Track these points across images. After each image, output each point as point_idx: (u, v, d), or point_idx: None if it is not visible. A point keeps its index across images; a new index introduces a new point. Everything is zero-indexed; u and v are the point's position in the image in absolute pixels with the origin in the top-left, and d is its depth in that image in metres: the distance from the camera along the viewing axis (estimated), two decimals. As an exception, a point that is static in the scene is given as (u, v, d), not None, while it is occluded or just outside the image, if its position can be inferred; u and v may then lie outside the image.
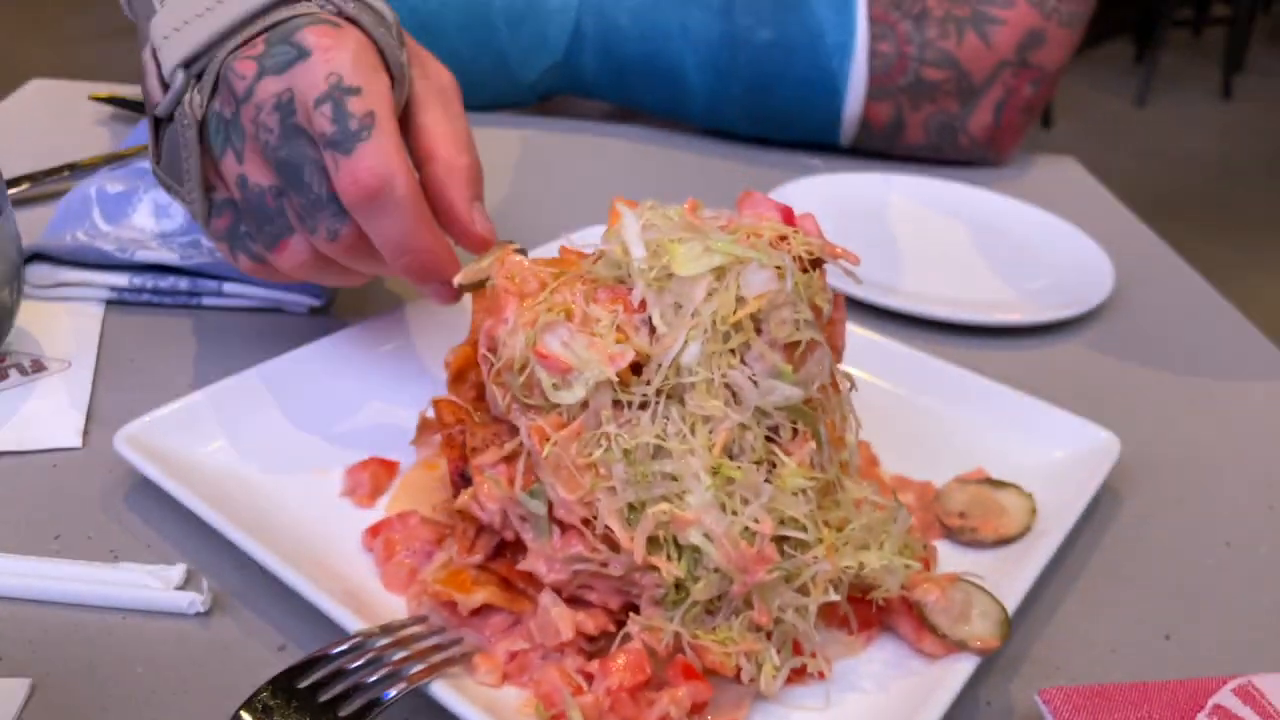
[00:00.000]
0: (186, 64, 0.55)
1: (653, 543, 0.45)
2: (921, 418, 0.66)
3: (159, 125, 0.57)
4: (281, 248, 0.55)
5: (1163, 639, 0.54)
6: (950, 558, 0.55)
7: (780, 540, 0.46)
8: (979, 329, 0.80)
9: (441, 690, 0.43)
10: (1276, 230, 3.72)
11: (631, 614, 0.46)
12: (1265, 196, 4.02)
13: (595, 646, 0.47)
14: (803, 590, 0.46)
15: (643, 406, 0.47)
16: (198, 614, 0.50)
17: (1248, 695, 0.47)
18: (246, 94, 0.53)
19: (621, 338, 0.48)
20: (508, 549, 0.49)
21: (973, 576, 0.50)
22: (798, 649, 0.47)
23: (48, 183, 0.84)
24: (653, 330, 0.49)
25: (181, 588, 0.50)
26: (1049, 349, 0.79)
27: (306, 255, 0.55)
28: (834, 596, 0.46)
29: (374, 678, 0.43)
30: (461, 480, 0.50)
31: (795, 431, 0.49)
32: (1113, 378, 0.77)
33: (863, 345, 0.70)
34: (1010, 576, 0.52)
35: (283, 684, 0.42)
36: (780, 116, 1.05)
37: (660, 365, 0.47)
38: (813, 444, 0.48)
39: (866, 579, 0.48)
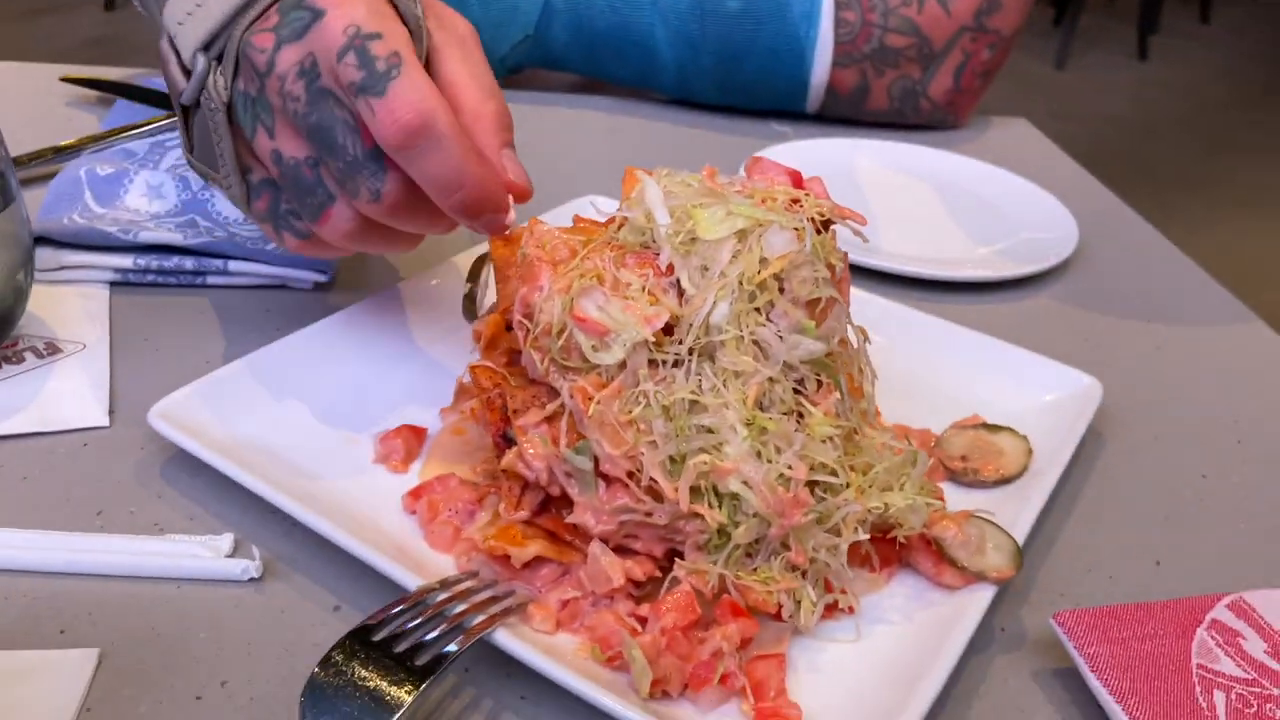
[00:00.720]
0: (205, 47, 0.55)
1: (695, 492, 0.48)
2: (912, 369, 0.70)
3: (187, 114, 0.57)
4: (325, 218, 0.54)
5: (1154, 564, 0.58)
6: (955, 498, 0.59)
7: (812, 485, 0.49)
8: (950, 285, 0.84)
9: (504, 639, 0.46)
10: (1193, 187, 3.85)
11: (676, 560, 0.49)
12: (1181, 154, 4.15)
13: (642, 592, 0.50)
14: (834, 531, 0.50)
15: (676, 365, 0.50)
16: (251, 580, 0.51)
17: (1240, 610, 0.51)
18: (268, 67, 0.53)
19: (653, 300, 0.50)
20: (553, 504, 0.51)
21: (983, 513, 0.54)
22: (828, 587, 0.51)
23: (31, 166, 0.83)
24: (680, 292, 0.51)
25: (231, 556, 0.52)
26: (1019, 303, 0.84)
27: (352, 222, 0.54)
28: (863, 536, 0.50)
29: (438, 631, 0.45)
30: (504, 441, 0.52)
31: (819, 384, 0.52)
32: (1082, 327, 0.81)
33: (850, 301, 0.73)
34: (1014, 512, 0.55)
35: (354, 642, 0.44)
36: (749, 85, 1.08)
37: (691, 325, 0.50)
38: (836, 395, 0.51)
39: (890, 519, 0.51)
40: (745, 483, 0.48)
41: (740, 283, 0.50)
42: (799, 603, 0.49)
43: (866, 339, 0.56)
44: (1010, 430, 0.62)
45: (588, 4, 1.04)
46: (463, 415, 0.61)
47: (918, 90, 1.08)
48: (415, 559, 0.51)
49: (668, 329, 0.50)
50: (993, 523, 0.53)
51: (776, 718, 0.45)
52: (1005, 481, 0.60)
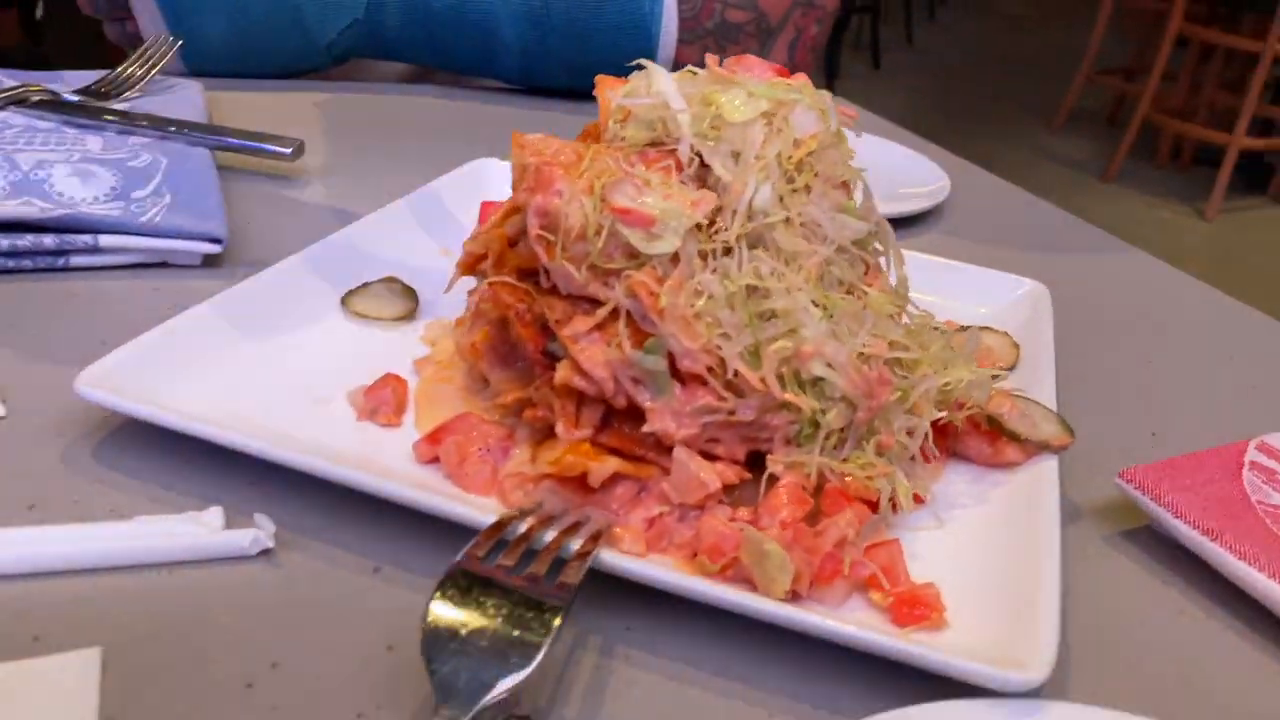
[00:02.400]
0: None
1: (778, 381, 0.44)
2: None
3: None
4: None
5: (1150, 436, 0.59)
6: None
7: (886, 364, 0.46)
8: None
9: (615, 562, 0.40)
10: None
11: (768, 457, 0.45)
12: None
13: (731, 498, 0.45)
14: (913, 411, 0.47)
15: (726, 254, 0.46)
16: (262, 554, 0.42)
17: (1267, 450, 0.53)
18: None
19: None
20: (615, 418, 0.45)
21: (1018, 390, 0.53)
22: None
23: None
24: (703, 185, 0.48)
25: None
26: (913, 239, 0.85)
27: None
28: (941, 414, 0.47)
29: (548, 562, 0.38)
30: (546, 358, 0.46)
31: (866, 266, 0.49)
32: (977, 258, 0.83)
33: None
34: (1033, 394, 0.55)
35: (456, 586, 0.37)
36: (596, 65, 1.04)
37: (735, 211, 0.46)
38: (888, 276, 0.49)
39: (957, 396, 0.49)
40: (829, 365, 0.44)
41: (780, 164, 0.47)
42: (893, 489, 0.46)
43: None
44: (989, 329, 0.62)
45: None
46: (440, 365, 0.54)
47: (756, 65, 1.10)
48: (465, 502, 0.44)
49: (708, 222, 0.46)
50: (1033, 400, 0.53)
51: (916, 602, 0.41)
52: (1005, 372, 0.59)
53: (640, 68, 0.51)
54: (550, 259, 0.46)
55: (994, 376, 0.50)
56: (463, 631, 0.35)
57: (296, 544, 0.43)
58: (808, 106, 0.49)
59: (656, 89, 0.49)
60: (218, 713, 0.36)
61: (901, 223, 0.85)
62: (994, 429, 0.50)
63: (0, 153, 0.66)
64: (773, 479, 0.44)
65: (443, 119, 0.98)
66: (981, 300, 0.68)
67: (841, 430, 0.45)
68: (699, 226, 0.45)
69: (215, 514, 0.43)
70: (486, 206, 0.70)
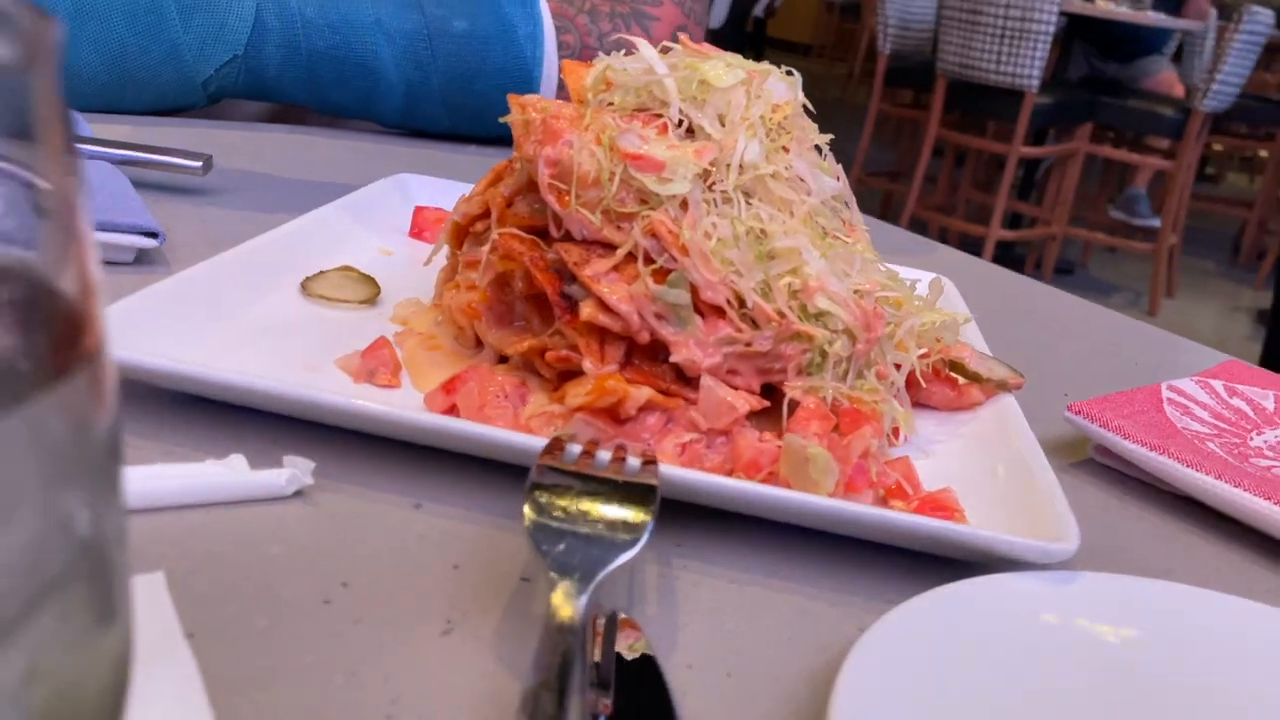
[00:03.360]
0: None
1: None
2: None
3: None
4: None
5: (1063, 396, 0.65)
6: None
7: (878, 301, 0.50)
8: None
9: (677, 471, 0.41)
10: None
11: (786, 384, 0.47)
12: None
13: (754, 424, 0.47)
14: (899, 347, 0.51)
15: (725, 203, 0.49)
16: (295, 495, 0.41)
17: (1177, 390, 0.59)
18: None
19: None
20: (635, 355, 0.47)
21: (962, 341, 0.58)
22: (891, 411, 0.51)
23: None
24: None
25: (251, 477, 0.41)
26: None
27: None
28: (921, 351, 0.51)
29: (613, 465, 0.39)
30: (565, 301, 0.47)
31: (842, 220, 0.53)
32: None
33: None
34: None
35: (548, 473, 0.37)
36: (480, 107, 1.07)
37: (729, 165, 0.49)
38: (864, 228, 0.53)
39: (932, 336, 0.53)
40: (831, 299, 0.47)
41: (762, 123, 0.51)
42: (891, 420, 0.49)
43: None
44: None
45: (304, 22, 0.98)
46: (424, 336, 0.53)
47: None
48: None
49: (704, 174, 0.49)
50: (980, 352, 0.57)
51: (938, 505, 0.44)
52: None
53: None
54: (563, 207, 0.47)
55: (960, 319, 0.54)
56: (567, 516, 0.35)
57: (328, 488, 0.42)
58: (779, 77, 0.53)
59: (642, 58, 0.52)
60: (301, 626, 0.34)
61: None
62: (956, 373, 0.54)
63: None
64: (793, 404, 0.46)
65: (329, 154, 0.97)
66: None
67: (846, 361, 0.48)
68: (702, 176, 0.48)
69: (239, 460, 0.41)
70: (420, 211, 0.71)
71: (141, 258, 0.61)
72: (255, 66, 0.99)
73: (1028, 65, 3.95)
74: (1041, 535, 0.41)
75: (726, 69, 0.52)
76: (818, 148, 0.53)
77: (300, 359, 0.50)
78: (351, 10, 1.00)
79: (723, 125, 0.50)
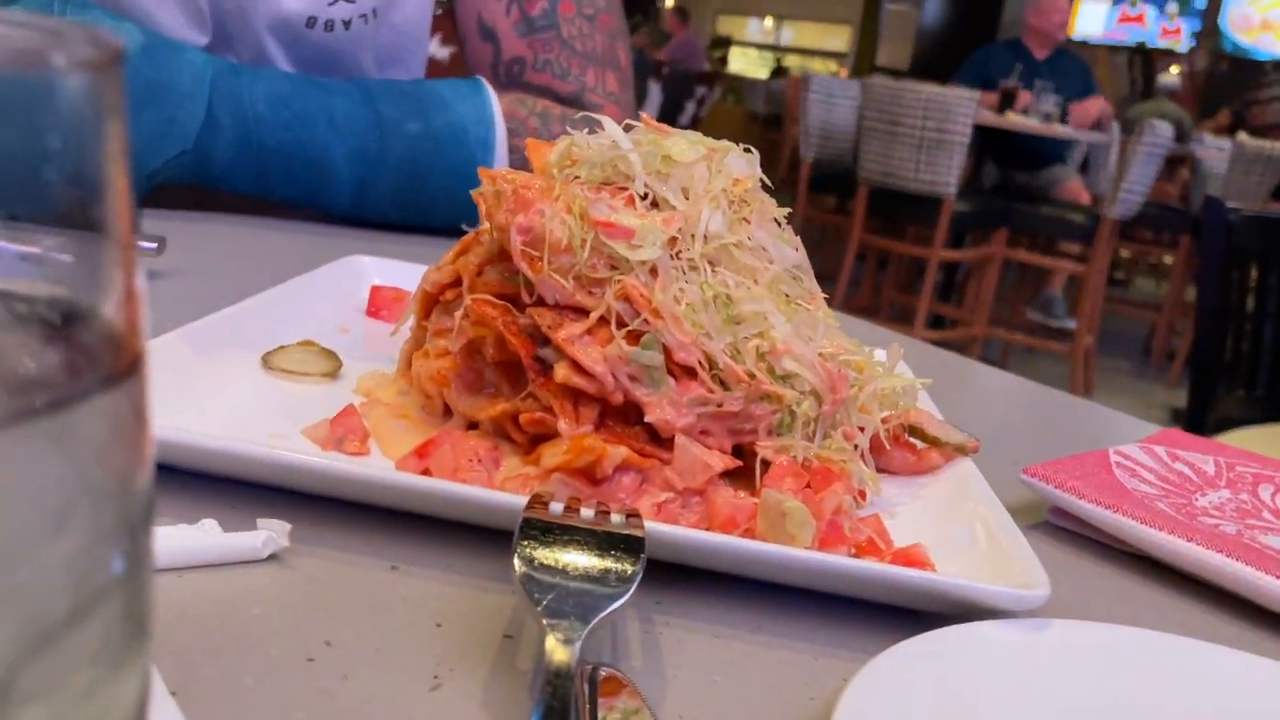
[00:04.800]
0: None
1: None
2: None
3: None
4: None
5: (1014, 464, 0.67)
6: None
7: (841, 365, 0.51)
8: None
9: (660, 527, 0.41)
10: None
11: (758, 444, 0.48)
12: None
13: (727, 483, 0.47)
14: (863, 410, 0.52)
15: (691, 270, 0.50)
16: (270, 559, 0.40)
17: (1123, 455, 0.62)
18: None
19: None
20: (608, 417, 0.47)
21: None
22: (856, 474, 0.52)
23: None
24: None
25: (225, 541, 0.40)
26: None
27: None
28: (888, 412, 0.52)
29: (598, 518, 0.39)
30: (539, 364, 0.47)
31: (802, 288, 0.55)
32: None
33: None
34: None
35: (535, 525, 0.37)
36: (431, 204, 1.08)
37: (695, 234, 0.51)
38: (823, 297, 0.55)
39: (890, 401, 0.54)
40: (797, 361, 0.49)
41: (724, 196, 0.53)
42: (860, 480, 0.50)
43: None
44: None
45: (256, 119, 0.99)
46: (390, 406, 0.53)
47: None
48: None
49: (671, 243, 0.50)
50: (933, 416, 0.59)
51: (911, 561, 0.45)
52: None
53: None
54: (536, 273, 0.48)
55: (919, 384, 0.56)
56: (556, 566, 0.35)
57: (303, 552, 0.41)
58: (738, 154, 0.55)
59: (608, 135, 0.53)
60: (287, 683, 0.33)
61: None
62: (916, 437, 0.56)
63: None
64: (765, 463, 0.47)
65: (279, 240, 0.97)
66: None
67: (813, 421, 0.49)
68: (669, 243, 0.49)
69: (211, 524, 0.40)
70: (377, 289, 0.71)
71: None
72: (204, 160, 0.99)
73: (945, 173, 4.11)
74: (1012, 584, 0.42)
75: (689, 145, 0.54)
76: (777, 220, 0.55)
77: (265, 430, 0.49)
78: (304, 107, 1.01)
79: (686, 198, 0.52)
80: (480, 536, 0.43)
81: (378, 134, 1.03)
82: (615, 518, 0.39)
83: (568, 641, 0.32)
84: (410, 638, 0.36)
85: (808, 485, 0.46)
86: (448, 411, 0.52)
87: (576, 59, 1.14)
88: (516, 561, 0.35)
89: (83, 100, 0.18)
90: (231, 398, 0.52)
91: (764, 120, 8.72)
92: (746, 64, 12.44)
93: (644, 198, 0.52)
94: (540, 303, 0.49)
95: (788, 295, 0.52)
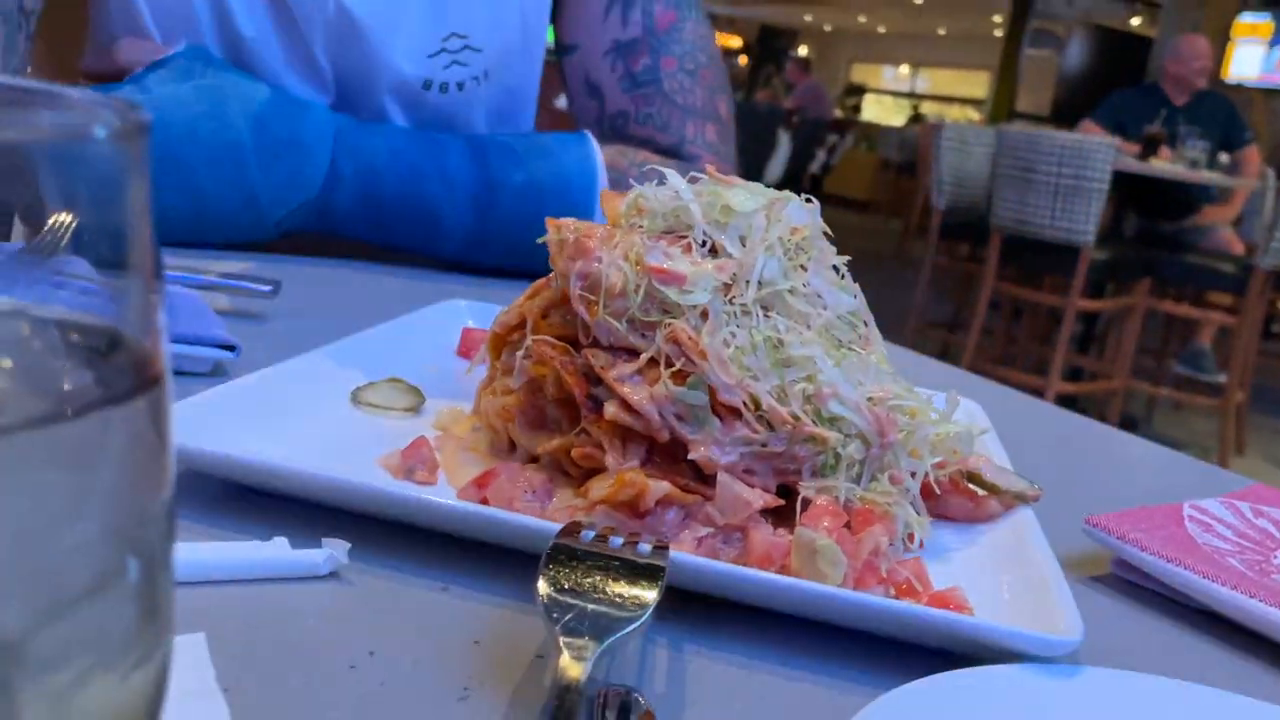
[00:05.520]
0: None
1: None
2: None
3: None
4: None
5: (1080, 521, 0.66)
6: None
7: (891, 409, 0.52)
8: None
9: (689, 559, 0.43)
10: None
11: (800, 484, 0.49)
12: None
13: (769, 521, 0.49)
14: (913, 455, 0.53)
15: (744, 315, 0.52)
16: (330, 576, 0.43)
17: (1198, 509, 0.60)
18: None
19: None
20: (656, 453, 0.49)
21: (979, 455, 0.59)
22: (906, 517, 0.53)
23: None
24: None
25: (292, 557, 0.44)
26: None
27: None
28: (939, 457, 0.53)
29: (625, 547, 0.41)
30: (591, 402, 0.50)
31: (857, 335, 0.56)
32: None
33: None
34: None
35: (562, 551, 0.39)
36: (534, 250, 1.13)
37: (749, 281, 0.53)
38: (878, 343, 0.56)
39: (946, 448, 0.55)
40: (844, 404, 0.50)
41: (781, 243, 0.54)
42: (906, 524, 0.50)
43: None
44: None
45: (375, 171, 1.06)
46: (461, 440, 0.56)
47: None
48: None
49: (725, 288, 0.53)
50: (997, 466, 0.59)
51: (946, 604, 0.45)
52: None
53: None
54: (593, 316, 0.51)
55: (975, 430, 0.56)
56: (578, 588, 0.37)
57: (363, 570, 0.44)
58: (798, 204, 0.57)
59: (671, 186, 0.56)
60: (328, 687, 0.36)
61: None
62: (974, 484, 0.56)
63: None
64: (806, 502, 0.48)
65: (389, 284, 1.03)
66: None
67: (860, 465, 0.50)
68: (721, 289, 0.51)
69: (281, 541, 0.44)
70: (468, 331, 0.75)
71: (217, 369, 0.66)
72: (326, 209, 1.06)
73: (1082, 220, 4.00)
74: (1042, 629, 0.42)
75: (749, 195, 0.56)
76: (836, 268, 0.57)
77: (344, 458, 0.53)
78: (419, 161, 1.07)
79: (744, 245, 0.54)
80: (528, 563, 0.45)
81: (487, 185, 1.09)
82: (643, 547, 0.41)
83: (579, 659, 0.34)
84: (448, 653, 0.39)
85: (846, 525, 0.47)
86: (513, 446, 0.55)
87: (677, 112, 1.18)
88: (540, 583, 0.37)
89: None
90: (319, 429, 0.56)
91: (897, 167, 8.66)
92: (881, 111, 12.36)
93: (703, 245, 0.55)
94: (596, 344, 0.51)
95: (840, 341, 0.54)
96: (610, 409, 0.48)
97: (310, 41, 1.10)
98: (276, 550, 0.43)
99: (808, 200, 0.58)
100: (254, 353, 0.71)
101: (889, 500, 0.49)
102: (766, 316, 0.52)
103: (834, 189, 8.73)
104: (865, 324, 0.57)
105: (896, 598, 0.46)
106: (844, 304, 0.55)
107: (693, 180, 0.59)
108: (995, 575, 0.50)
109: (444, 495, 0.51)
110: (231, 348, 0.65)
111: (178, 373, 0.64)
